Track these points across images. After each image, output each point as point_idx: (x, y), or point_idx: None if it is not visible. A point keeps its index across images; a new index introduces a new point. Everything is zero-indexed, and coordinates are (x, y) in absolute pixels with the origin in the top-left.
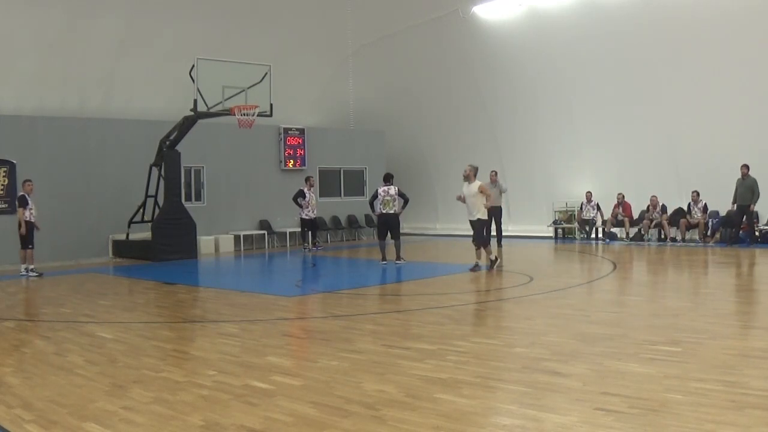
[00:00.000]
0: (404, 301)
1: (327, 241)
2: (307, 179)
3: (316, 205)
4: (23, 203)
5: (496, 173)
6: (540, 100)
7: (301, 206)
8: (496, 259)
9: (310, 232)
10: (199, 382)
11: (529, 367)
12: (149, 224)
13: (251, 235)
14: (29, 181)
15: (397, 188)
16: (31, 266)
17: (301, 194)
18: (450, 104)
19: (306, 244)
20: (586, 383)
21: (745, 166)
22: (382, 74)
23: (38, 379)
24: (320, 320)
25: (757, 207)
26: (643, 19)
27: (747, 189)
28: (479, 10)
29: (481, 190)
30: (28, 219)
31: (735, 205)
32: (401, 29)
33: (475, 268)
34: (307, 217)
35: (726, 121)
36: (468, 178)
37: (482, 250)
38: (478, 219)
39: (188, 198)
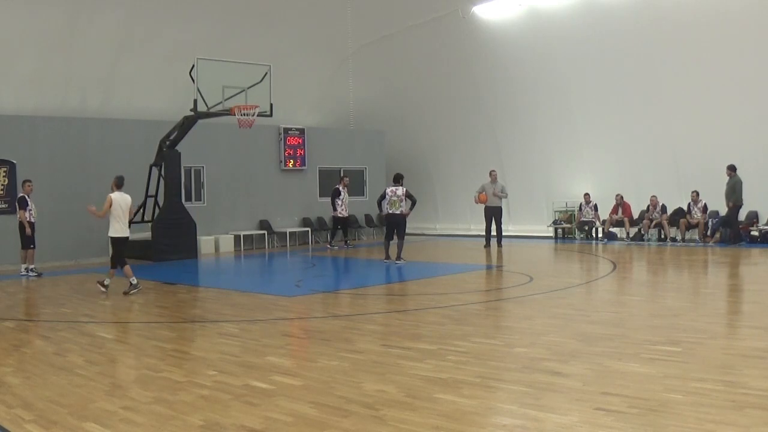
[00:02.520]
0: (404, 301)
1: (326, 241)
2: (342, 179)
3: (347, 205)
4: (23, 204)
5: (495, 172)
6: (540, 100)
7: (335, 207)
8: (137, 283)
9: (341, 230)
10: (199, 382)
11: (529, 367)
12: (149, 224)
13: (251, 235)
14: (29, 181)
15: (405, 189)
16: (32, 266)
17: (337, 193)
18: (450, 104)
19: (332, 242)
20: (586, 383)
21: (730, 167)
22: (382, 74)
23: (38, 379)
24: (320, 320)
25: (758, 207)
26: (643, 19)
27: (729, 189)
28: (479, 10)
29: (107, 202)
30: (29, 220)
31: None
32: (401, 29)
33: (131, 289)
34: (341, 216)
35: (726, 121)
36: (111, 189)
37: (127, 268)
38: (110, 237)
39: (188, 198)
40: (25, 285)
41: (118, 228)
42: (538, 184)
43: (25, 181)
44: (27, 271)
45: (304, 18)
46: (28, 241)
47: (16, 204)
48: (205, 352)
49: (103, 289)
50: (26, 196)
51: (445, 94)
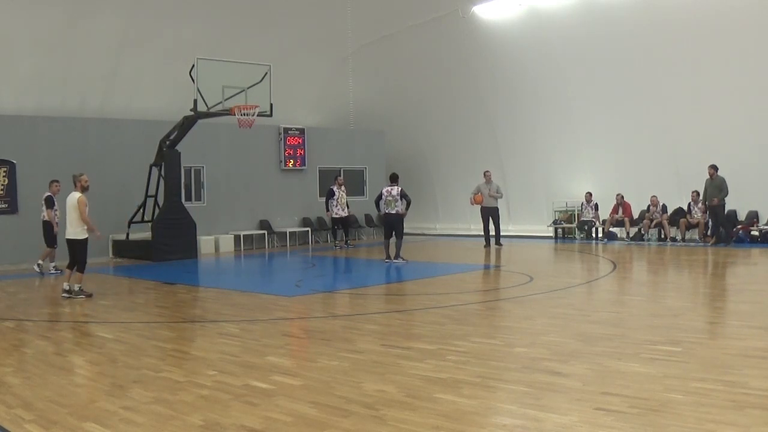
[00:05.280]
0: (404, 301)
1: (327, 241)
2: (336, 178)
3: (346, 204)
4: (51, 204)
5: (489, 172)
6: (540, 99)
7: (328, 208)
8: (76, 290)
9: (342, 230)
10: (199, 382)
11: (529, 367)
12: (149, 224)
13: (251, 235)
14: (56, 181)
15: (400, 189)
16: (52, 264)
17: (330, 194)
18: (450, 104)
19: (336, 242)
20: (586, 383)
21: (712, 167)
22: (382, 74)
23: (38, 379)
24: (320, 320)
25: (758, 207)
26: (643, 19)
27: (715, 189)
28: (479, 10)
29: (79, 203)
30: (56, 220)
31: (706, 205)
32: (401, 29)
33: (74, 292)
34: (337, 216)
35: (726, 120)
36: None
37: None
38: (76, 239)
39: (188, 198)
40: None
41: (82, 229)
42: (538, 184)
43: (52, 181)
44: (55, 269)
45: (304, 18)
46: (53, 240)
47: (43, 203)
48: (205, 352)
49: (82, 296)
50: (53, 196)
51: (445, 94)
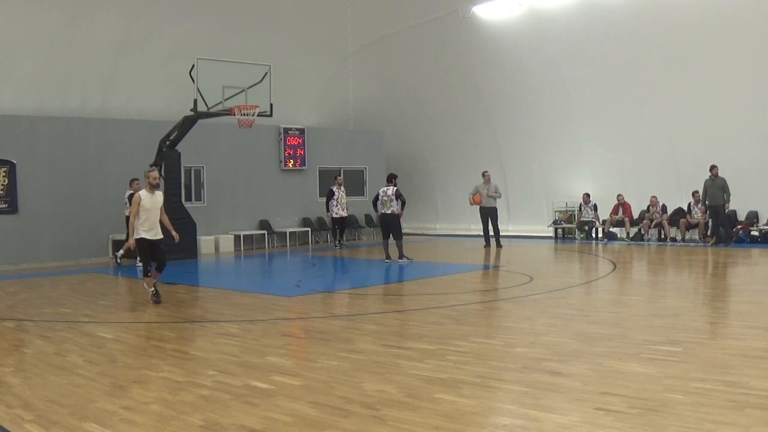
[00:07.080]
0: (404, 301)
1: (327, 241)
2: (335, 178)
3: (345, 204)
4: None
5: (488, 173)
6: (540, 100)
7: (328, 209)
8: (153, 291)
9: (339, 230)
10: (199, 382)
11: (529, 367)
12: None
13: (251, 235)
14: (136, 180)
15: (395, 189)
16: (121, 251)
17: (330, 194)
18: (450, 104)
19: (336, 242)
20: (586, 383)
21: (715, 167)
22: (382, 74)
23: (38, 379)
24: (320, 320)
25: (758, 207)
26: (643, 19)
27: (718, 189)
28: (479, 10)
29: (132, 202)
30: None
31: (706, 205)
32: (401, 29)
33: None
34: (337, 216)
35: (726, 120)
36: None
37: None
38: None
39: (188, 198)
40: (24, 284)
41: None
42: (538, 184)
43: (132, 180)
44: (119, 259)
45: (304, 18)
46: None
47: (126, 200)
48: (205, 352)
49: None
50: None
51: (445, 94)
